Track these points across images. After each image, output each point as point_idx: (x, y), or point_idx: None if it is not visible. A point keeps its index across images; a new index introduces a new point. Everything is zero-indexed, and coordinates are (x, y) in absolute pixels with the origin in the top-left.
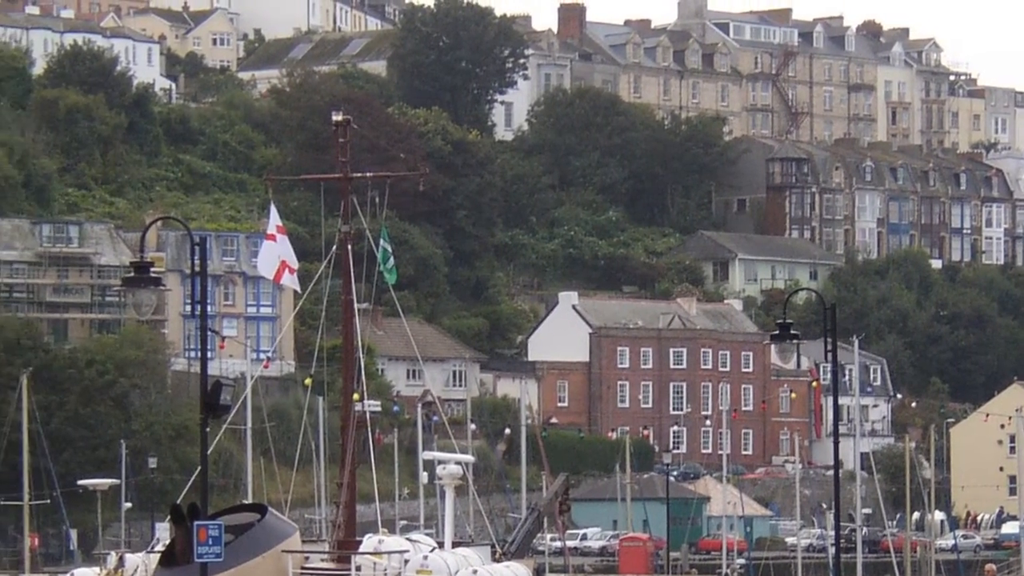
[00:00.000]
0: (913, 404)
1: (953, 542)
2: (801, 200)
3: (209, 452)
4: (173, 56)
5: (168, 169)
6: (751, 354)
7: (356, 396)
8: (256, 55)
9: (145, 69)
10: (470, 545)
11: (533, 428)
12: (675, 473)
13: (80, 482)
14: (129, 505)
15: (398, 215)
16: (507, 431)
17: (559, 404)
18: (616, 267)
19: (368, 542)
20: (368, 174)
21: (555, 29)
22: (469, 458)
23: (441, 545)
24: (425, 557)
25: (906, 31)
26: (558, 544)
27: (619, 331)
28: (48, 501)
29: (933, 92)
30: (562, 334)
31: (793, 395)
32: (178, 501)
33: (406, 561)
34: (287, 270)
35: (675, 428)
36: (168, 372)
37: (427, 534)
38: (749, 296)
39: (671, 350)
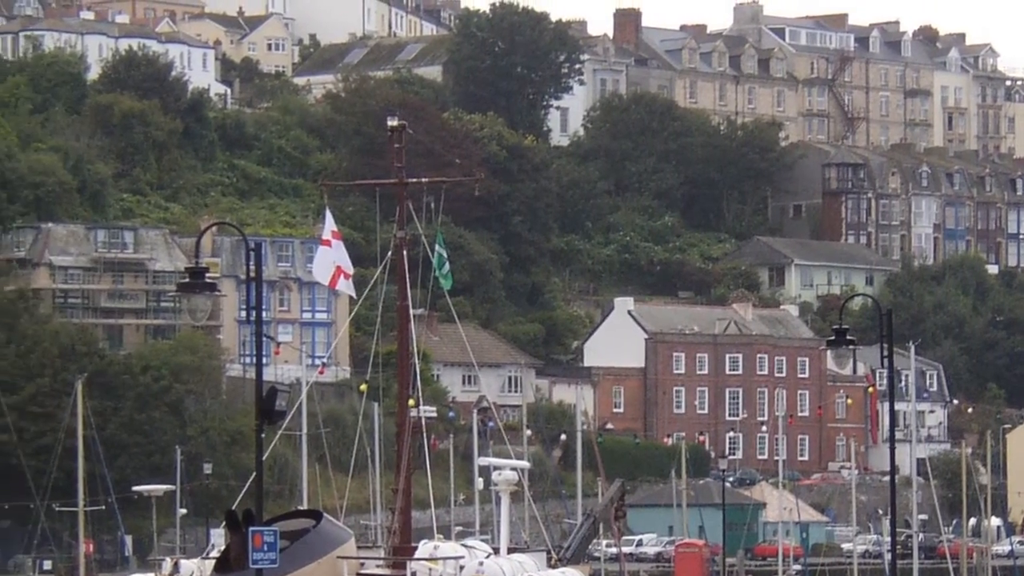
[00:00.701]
0: (969, 410)
1: (1009, 548)
2: (857, 205)
3: (264, 458)
4: (228, 61)
5: (223, 174)
6: (807, 360)
7: (411, 402)
8: (311, 60)
9: (200, 74)
10: (525, 551)
11: (589, 434)
12: (731, 479)
13: (135, 488)
14: (184, 511)
15: (454, 220)
16: (563, 437)
17: (615, 410)
18: (672, 272)
19: (423, 548)
20: (423, 179)
21: (611, 34)
22: (525, 464)
23: (496, 551)
24: (480, 563)
25: (962, 36)
26: (613, 550)
27: (675, 337)
28: (103, 507)
29: (989, 97)
30: (618, 340)
31: (849, 401)
32: (233, 507)
33: (461, 567)
34: (342, 276)
35: (731, 434)
36: (223, 378)
37: (482, 540)
38: (805, 302)
39: (727, 356)
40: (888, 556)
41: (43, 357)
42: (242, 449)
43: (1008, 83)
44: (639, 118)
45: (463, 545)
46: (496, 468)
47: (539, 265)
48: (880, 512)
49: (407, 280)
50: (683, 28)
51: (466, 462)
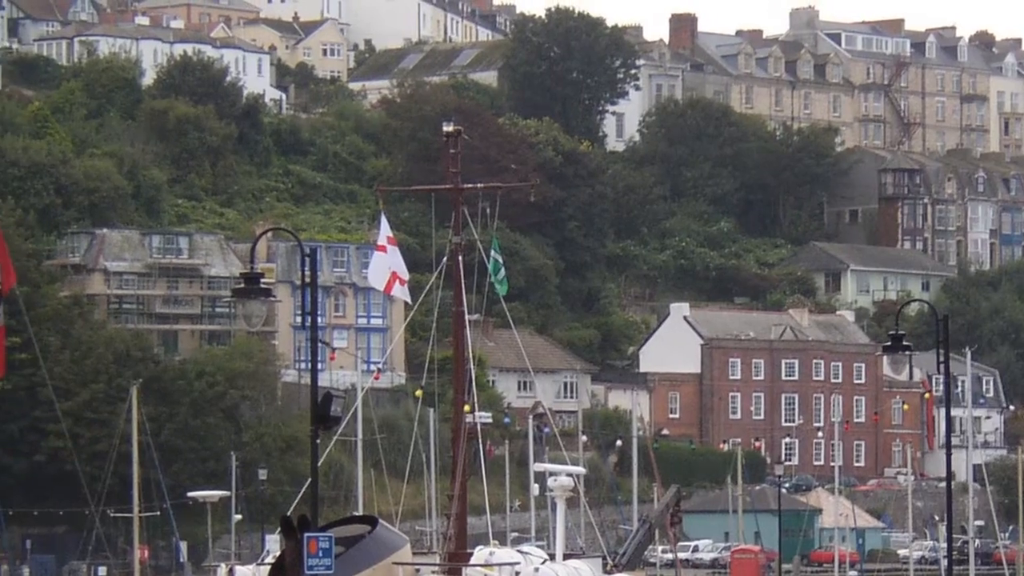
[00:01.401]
0: None
1: None
2: (913, 211)
3: (319, 464)
4: (283, 67)
5: (278, 180)
6: (863, 365)
7: (467, 408)
8: (367, 65)
9: (255, 80)
10: (581, 557)
11: (644, 440)
12: (787, 485)
13: (190, 494)
14: (239, 517)
15: (509, 226)
16: (618, 443)
17: (670, 415)
18: (728, 278)
19: (479, 554)
20: (479, 185)
21: (666, 39)
22: (580, 470)
23: (552, 557)
24: (536, 569)
25: (1019, 41)
26: (669, 556)
27: (731, 342)
28: (158, 513)
29: None
30: (673, 345)
31: (905, 407)
32: (288, 513)
33: (517, 573)
34: (398, 281)
35: (787, 440)
36: (278, 384)
37: (538, 546)
38: (861, 307)
39: (783, 361)
40: (944, 562)
41: (98, 363)
42: (297, 455)
43: None
44: (695, 123)
45: (518, 551)
46: (552, 474)
47: (594, 270)
48: (936, 518)
49: (463, 285)
50: (739, 33)
51: (521, 468)
